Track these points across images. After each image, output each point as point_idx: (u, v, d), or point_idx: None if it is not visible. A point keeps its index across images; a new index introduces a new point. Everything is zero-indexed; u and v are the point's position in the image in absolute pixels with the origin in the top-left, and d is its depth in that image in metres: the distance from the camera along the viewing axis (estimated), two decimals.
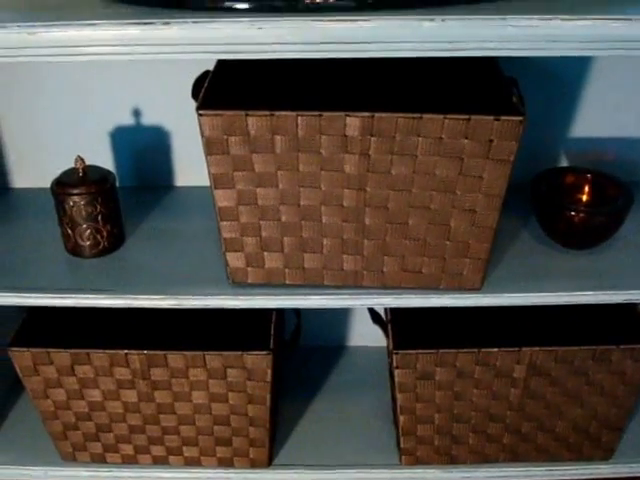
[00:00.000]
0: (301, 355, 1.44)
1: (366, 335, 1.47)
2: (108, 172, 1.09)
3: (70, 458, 1.24)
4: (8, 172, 1.29)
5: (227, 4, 0.84)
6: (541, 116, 1.22)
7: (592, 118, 1.23)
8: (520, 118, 0.87)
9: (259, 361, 1.08)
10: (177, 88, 1.17)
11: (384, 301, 1.03)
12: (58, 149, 1.24)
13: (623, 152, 1.26)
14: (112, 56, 0.84)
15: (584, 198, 1.14)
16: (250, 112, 0.87)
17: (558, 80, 1.20)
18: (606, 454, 1.24)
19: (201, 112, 0.87)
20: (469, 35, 0.82)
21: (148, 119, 1.23)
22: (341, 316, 1.46)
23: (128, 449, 1.22)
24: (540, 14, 0.81)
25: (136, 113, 1.23)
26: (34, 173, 1.27)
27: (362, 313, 1.42)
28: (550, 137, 1.25)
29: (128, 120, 1.23)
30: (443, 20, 0.81)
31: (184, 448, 1.21)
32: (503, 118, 0.87)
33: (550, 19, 0.81)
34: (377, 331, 1.27)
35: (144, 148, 1.26)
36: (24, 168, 1.28)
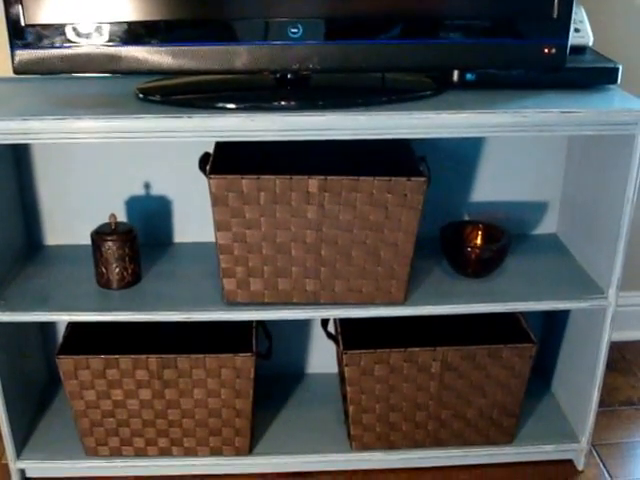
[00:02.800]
0: (272, 378, 1.81)
1: (322, 363, 1.85)
2: (131, 226, 1.48)
3: (93, 453, 1.56)
4: (43, 231, 1.67)
5: (222, 105, 1.27)
6: (447, 184, 1.65)
7: (486, 185, 1.67)
8: (424, 179, 1.29)
9: (245, 361, 1.46)
10: (179, 166, 1.59)
11: (335, 313, 1.43)
12: (83, 214, 1.63)
13: (509, 211, 1.69)
14: (144, 140, 1.25)
15: (478, 241, 1.57)
16: (244, 176, 1.28)
17: (460, 157, 1.63)
18: (508, 438, 1.61)
19: (211, 176, 1.28)
20: (388, 125, 1.26)
21: (156, 190, 1.64)
22: (304, 346, 1.84)
23: (140, 442, 1.55)
24: (434, 110, 1.26)
25: (146, 186, 1.63)
26: (64, 232, 1.66)
27: (320, 343, 1.82)
28: (454, 200, 1.67)
29: (140, 191, 1.64)
30: (370, 115, 1.25)
31: (184, 439, 1.55)
32: (413, 179, 1.29)
33: (440, 113, 1.26)
34: (332, 359, 1.68)
35: (151, 213, 1.66)
36: (56, 229, 1.66)
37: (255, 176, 1.28)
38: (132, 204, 1.64)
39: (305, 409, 1.74)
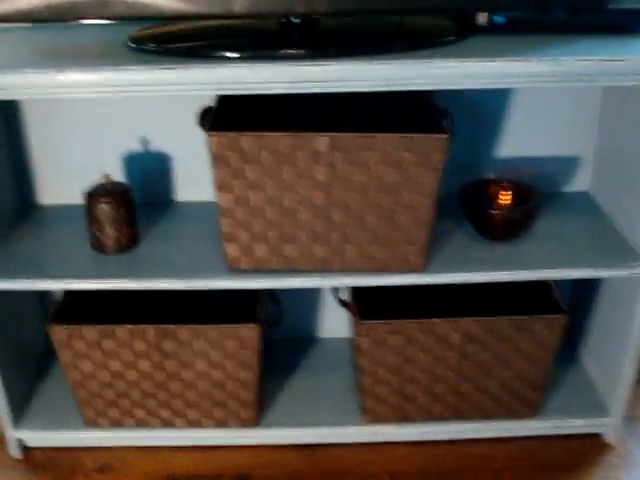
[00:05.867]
0: (281, 343, 1.72)
1: (333, 328, 1.75)
2: (128, 186, 1.37)
3: (92, 423, 1.49)
4: (36, 190, 1.56)
5: (221, 54, 1.14)
6: (470, 137, 1.52)
7: (512, 139, 1.53)
8: (445, 136, 1.16)
9: (249, 332, 1.35)
10: (179, 120, 1.47)
11: (346, 281, 1.32)
12: (79, 171, 1.52)
13: (538, 167, 1.56)
14: (137, 94, 1.13)
15: (504, 201, 1.44)
16: (244, 133, 1.16)
17: (484, 109, 1.50)
18: (532, 411, 1.50)
19: (210, 133, 1.16)
20: (407, 74, 1.12)
21: (154, 146, 1.52)
22: (312, 309, 1.74)
23: (141, 413, 1.47)
24: (458, 58, 1.12)
25: (144, 141, 1.51)
26: (58, 191, 1.55)
27: (329, 307, 1.71)
28: (477, 155, 1.54)
29: (137, 147, 1.51)
30: (387, 64, 1.11)
31: (187, 411, 1.47)
32: (433, 136, 1.16)
33: (464, 61, 1.12)
34: (343, 324, 1.57)
35: (150, 170, 1.54)
36: (50, 187, 1.56)
37: (257, 133, 1.16)
38: (130, 160, 1.53)
39: (315, 377, 1.64)
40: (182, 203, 1.57)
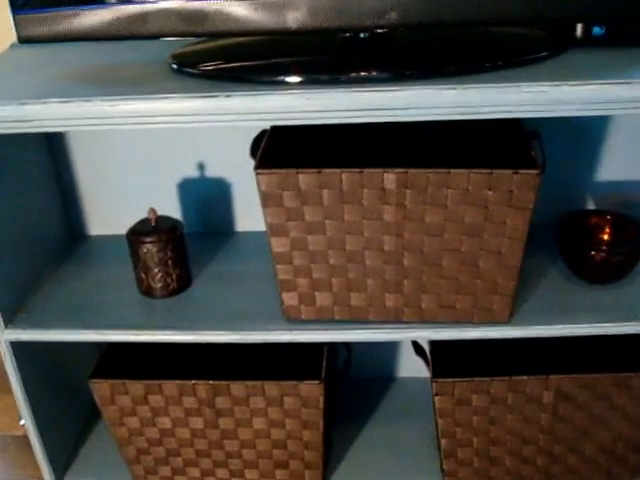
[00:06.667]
0: (352, 385, 1.55)
1: (412, 367, 1.58)
2: (177, 221, 1.23)
3: None
4: (85, 221, 1.44)
5: (280, 78, 0.98)
6: (566, 160, 1.33)
7: (616, 162, 1.34)
8: (536, 172, 0.98)
9: (312, 390, 1.20)
10: (238, 144, 1.33)
11: (423, 334, 1.14)
12: (132, 200, 1.40)
13: None
14: (179, 125, 0.98)
15: (605, 237, 1.24)
16: (300, 170, 1.00)
17: (581, 128, 1.31)
18: (633, 474, 1.31)
19: (258, 171, 1.01)
20: (486, 101, 0.94)
21: (211, 172, 1.38)
22: (388, 349, 1.58)
23: (195, 472, 1.33)
24: (550, 81, 0.94)
25: (200, 167, 1.37)
26: (110, 222, 1.43)
27: (407, 346, 1.54)
28: (575, 181, 1.35)
29: (194, 173, 1.38)
30: (464, 89, 0.94)
31: (246, 471, 1.32)
32: (521, 172, 0.98)
33: (559, 85, 0.94)
34: (422, 363, 1.39)
35: (208, 198, 1.40)
36: (101, 217, 1.44)
37: (316, 170, 1.00)
38: (185, 188, 1.39)
39: (391, 426, 1.47)
40: (242, 233, 1.43)
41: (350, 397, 1.54)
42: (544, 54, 1.03)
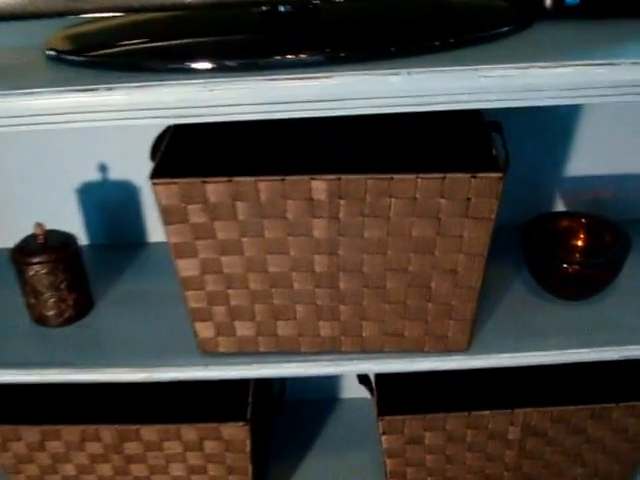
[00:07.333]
0: (289, 410, 1.37)
1: (357, 387, 1.40)
2: (70, 236, 1.02)
3: None
4: None
5: (179, 65, 0.78)
6: (531, 156, 1.15)
7: (585, 156, 1.17)
8: (499, 175, 0.80)
9: (237, 432, 1.01)
10: (145, 140, 1.12)
11: (365, 366, 0.96)
12: (23, 209, 1.19)
13: (619, 189, 1.19)
14: (53, 125, 0.78)
15: (579, 244, 1.07)
16: (208, 179, 0.80)
17: (547, 116, 1.13)
18: None
19: (155, 181, 0.81)
20: (438, 89, 0.76)
21: (115, 174, 1.17)
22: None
23: None
24: (514, 63, 0.75)
25: (102, 168, 1.17)
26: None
27: None
28: (541, 176, 1.18)
29: (95, 176, 1.17)
30: (411, 75, 0.75)
31: None
32: (480, 175, 0.80)
33: (525, 68, 0.75)
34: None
35: (113, 204, 1.20)
36: None
37: (226, 178, 0.80)
38: (85, 193, 1.18)
39: (334, 455, 1.29)
40: (154, 245, 1.23)
41: (287, 424, 1.35)
42: (506, 29, 0.84)
